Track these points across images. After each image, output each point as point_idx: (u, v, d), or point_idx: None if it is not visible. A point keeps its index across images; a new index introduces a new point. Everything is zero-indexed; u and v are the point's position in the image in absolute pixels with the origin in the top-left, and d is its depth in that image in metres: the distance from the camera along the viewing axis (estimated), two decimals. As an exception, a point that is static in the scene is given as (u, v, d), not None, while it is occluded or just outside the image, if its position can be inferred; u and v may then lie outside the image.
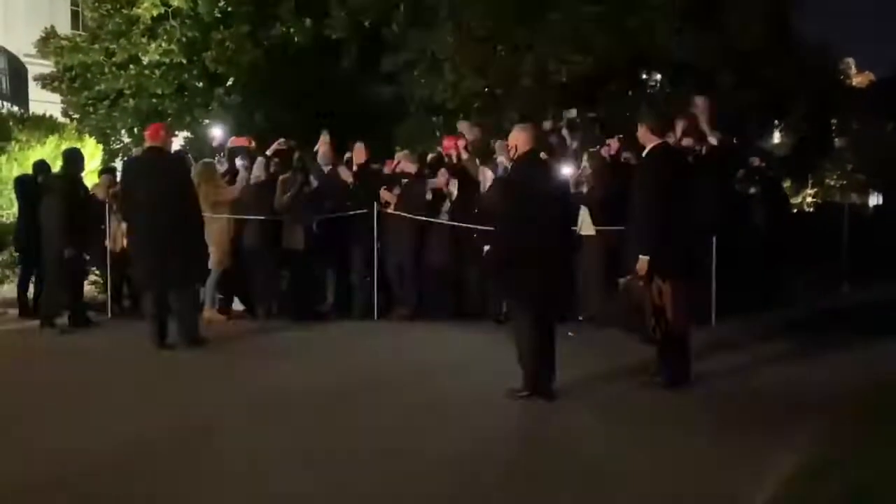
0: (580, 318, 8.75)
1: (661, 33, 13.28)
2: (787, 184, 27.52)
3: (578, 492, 4.04)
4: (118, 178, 10.27)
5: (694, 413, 5.42)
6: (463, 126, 10.79)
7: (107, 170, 10.95)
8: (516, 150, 5.71)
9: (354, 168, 9.68)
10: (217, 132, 10.94)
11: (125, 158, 9.64)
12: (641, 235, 5.80)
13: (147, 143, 7.87)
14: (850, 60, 32.10)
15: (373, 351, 7.70)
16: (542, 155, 6.37)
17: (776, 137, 24.99)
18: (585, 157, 9.00)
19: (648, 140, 5.97)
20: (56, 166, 9.20)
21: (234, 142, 10.26)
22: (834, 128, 24.95)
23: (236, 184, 9.31)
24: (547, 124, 10.16)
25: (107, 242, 9.46)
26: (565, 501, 3.92)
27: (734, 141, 9.55)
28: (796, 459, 4.38)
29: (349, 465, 4.41)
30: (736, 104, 14.44)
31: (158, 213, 7.35)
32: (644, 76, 16.25)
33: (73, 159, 8.79)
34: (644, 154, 6.08)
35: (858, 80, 33.61)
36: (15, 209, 10.49)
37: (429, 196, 9.20)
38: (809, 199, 29.44)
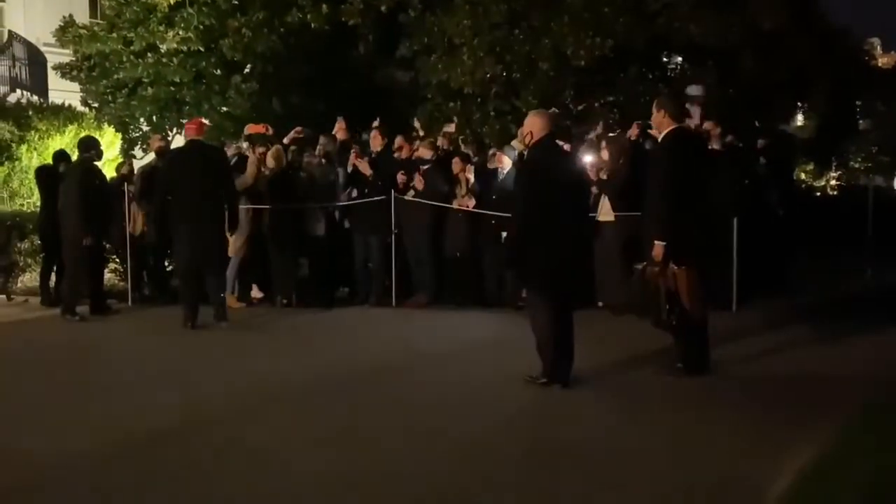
0: (599, 304, 8.71)
1: (682, 14, 13.08)
2: (810, 167, 27.23)
3: (593, 477, 4.01)
4: (134, 166, 10.37)
5: (712, 400, 5.37)
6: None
7: (124, 162, 11.01)
8: (532, 136, 5.65)
9: (373, 154, 9.65)
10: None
11: (170, 151, 9.73)
12: (657, 221, 5.73)
13: (189, 137, 8.28)
14: (876, 41, 31.59)
15: (391, 337, 7.69)
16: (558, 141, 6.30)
17: (799, 119, 24.66)
18: (603, 143, 8.92)
19: (665, 125, 5.88)
20: (75, 155, 9.29)
21: (250, 129, 10.25)
22: (858, 109, 24.57)
23: (246, 171, 9.28)
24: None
25: (127, 227, 9.51)
26: (580, 487, 3.89)
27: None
28: (817, 448, 4.31)
29: (365, 448, 4.42)
30: (757, 86, 14.25)
31: (204, 202, 7.83)
32: (664, 59, 16.04)
33: (87, 146, 8.83)
34: (660, 139, 6.00)
35: (884, 60, 33.05)
36: (36, 198, 10.57)
37: (446, 187, 9.19)
38: (833, 182, 29.07)
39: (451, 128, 10.95)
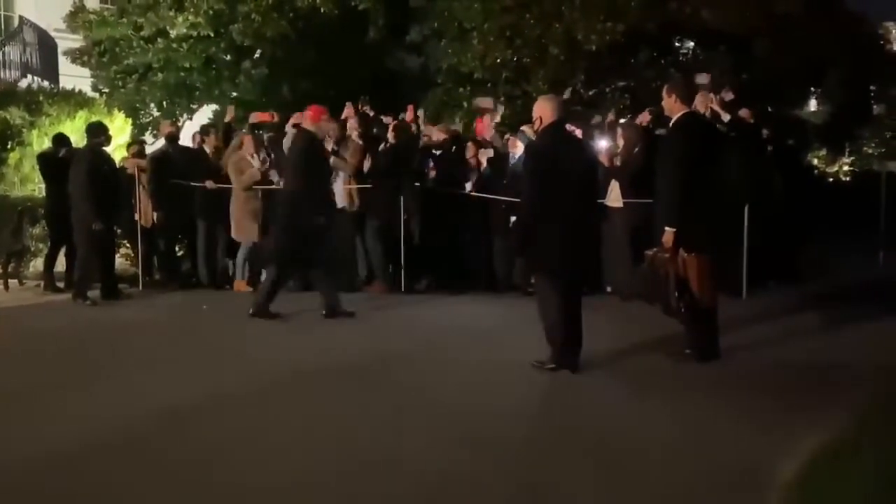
0: (608, 289, 8.69)
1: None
2: (823, 152, 26.99)
3: (601, 463, 4.00)
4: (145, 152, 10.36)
5: (721, 387, 5.35)
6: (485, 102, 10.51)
7: (135, 143, 11.01)
8: (541, 121, 5.62)
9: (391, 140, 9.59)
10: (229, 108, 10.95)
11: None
12: (667, 207, 5.70)
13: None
14: (891, 25, 31.17)
15: (399, 322, 7.70)
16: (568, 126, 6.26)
17: (812, 105, 24.45)
18: (619, 130, 8.89)
19: (675, 109, 5.84)
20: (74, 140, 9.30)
21: (256, 117, 10.21)
22: (873, 94, 24.33)
23: (258, 163, 9.25)
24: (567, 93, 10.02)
25: (136, 216, 9.55)
26: (588, 472, 3.89)
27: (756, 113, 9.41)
28: (827, 436, 4.30)
29: (371, 432, 4.42)
30: (771, 71, 14.13)
31: None
32: (676, 44, 15.91)
33: (96, 132, 8.85)
34: (671, 124, 5.95)
35: (900, 45, 32.62)
36: (46, 182, 10.60)
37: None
38: (846, 168, 28.82)
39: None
